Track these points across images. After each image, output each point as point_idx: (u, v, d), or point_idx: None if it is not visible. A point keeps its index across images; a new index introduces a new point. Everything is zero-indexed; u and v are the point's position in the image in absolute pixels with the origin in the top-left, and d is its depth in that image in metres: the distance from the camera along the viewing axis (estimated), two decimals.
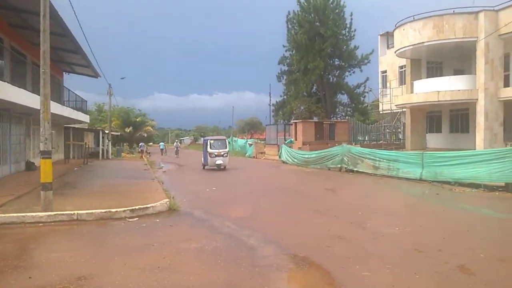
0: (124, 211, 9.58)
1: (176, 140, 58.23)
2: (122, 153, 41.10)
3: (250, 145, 41.28)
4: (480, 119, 23.47)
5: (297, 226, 8.78)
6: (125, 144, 50.22)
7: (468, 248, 6.75)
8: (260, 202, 12.50)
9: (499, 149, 15.47)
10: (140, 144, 44.68)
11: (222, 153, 23.68)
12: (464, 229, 8.41)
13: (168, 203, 10.57)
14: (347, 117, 37.41)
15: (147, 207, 10.03)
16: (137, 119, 55.66)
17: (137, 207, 9.83)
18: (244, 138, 54.37)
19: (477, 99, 23.57)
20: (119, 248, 7.09)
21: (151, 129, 60.49)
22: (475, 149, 21.39)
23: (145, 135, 58.17)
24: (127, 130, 53.72)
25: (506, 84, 23.01)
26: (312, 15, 35.72)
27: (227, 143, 25.35)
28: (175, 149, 44.15)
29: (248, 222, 9.13)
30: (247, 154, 40.26)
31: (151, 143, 70.13)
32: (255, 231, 8.10)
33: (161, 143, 52.37)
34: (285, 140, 32.73)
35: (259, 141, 45.61)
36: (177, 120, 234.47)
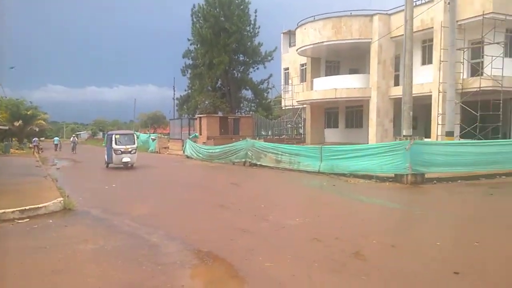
0: (12, 212, 8.72)
1: (73, 135, 54.88)
2: (11, 149, 37.74)
3: (153, 140, 40.22)
4: (372, 116, 25.22)
5: (201, 221, 8.70)
6: (14, 139, 46.17)
7: (362, 236, 7.16)
8: (163, 199, 12.19)
9: (389, 143, 16.71)
10: (33, 139, 41.42)
11: (130, 150, 21.04)
12: (359, 218, 8.94)
13: (62, 202, 9.82)
14: (251, 112, 38.07)
15: (38, 207, 9.24)
16: (28, 112, 51.37)
17: (27, 207, 9.00)
18: (147, 133, 52.84)
19: (370, 97, 25.28)
20: (6, 252, 6.45)
21: (44, 122, 56.16)
22: (368, 143, 22.97)
23: (37, 129, 53.90)
24: (16, 124, 49.39)
25: (396, 83, 24.92)
26: (217, 9, 35.72)
27: (135, 138, 22.91)
28: (72, 144, 41.44)
29: (150, 219, 8.84)
30: (150, 149, 39.18)
31: (43, 138, 65.35)
32: (157, 229, 7.86)
33: (56, 138, 49.08)
34: (189, 135, 32.38)
35: (163, 136, 44.61)
36: (73, 114, 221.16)
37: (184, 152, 29.21)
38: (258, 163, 19.92)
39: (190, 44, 38.23)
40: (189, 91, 39.97)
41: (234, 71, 38.33)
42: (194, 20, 36.90)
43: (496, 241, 6.99)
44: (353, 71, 29.85)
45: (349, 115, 31.82)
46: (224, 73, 36.25)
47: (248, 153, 20.62)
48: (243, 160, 21.02)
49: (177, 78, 54.86)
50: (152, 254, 6.27)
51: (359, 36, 25.14)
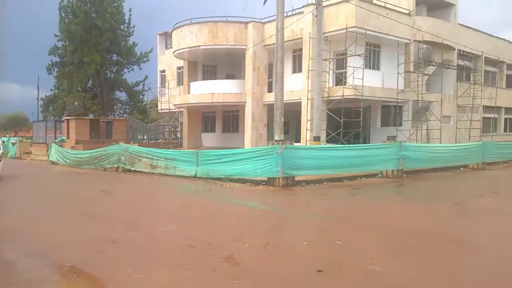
0: None
1: None
2: None
3: (14, 144, 36.41)
4: (248, 120, 25.93)
5: (66, 233, 8.02)
6: None
7: (235, 239, 7.25)
8: (22, 210, 11.02)
9: (262, 147, 17.33)
10: None
11: None
12: (232, 221, 9.04)
13: None
14: (125, 115, 36.58)
15: None
16: None
17: None
18: (6, 136, 47.66)
19: (245, 102, 25.97)
20: None
21: None
22: (243, 148, 23.53)
23: None
24: None
25: (270, 90, 25.92)
26: (88, 5, 33.66)
27: (0, 142, 19.96)
28: None
29: (6, 234, 7.92)
30: (9, 154, 35.36)
31: None
32: (14, 244, 7.07)
33: None
34: (55, 138, 29.94)
35: (25, 140, 40.64)
36: None
37: (48, 157, 26.88)
38: (132, 168, 19.15)
39: (58, 40, 35.46)
40: (56, 91, 37.04)
41: (107, 71, 36.45)
42: (62, 15, 34.27)
43: (356, 238, 7.59)
44: (230, 76, 30.43)
45: (226, 119, 32.35)
46: (95, 73, 34.24)
47: (121, 158, 19.72)
48: (116, 165, 20.03)
49: (42, 77, 50.58)
50: (6, 272, 5.61)
51: (234, 42, 25.68)
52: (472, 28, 31.30)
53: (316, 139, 18.69)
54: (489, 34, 33.47)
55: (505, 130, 36.51)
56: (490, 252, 6.76)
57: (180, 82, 32.72)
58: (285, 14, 20.33)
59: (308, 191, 13.35)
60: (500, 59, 33.76)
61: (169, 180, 16.55)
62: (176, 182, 15.82)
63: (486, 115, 33.37)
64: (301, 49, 23.71)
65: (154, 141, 32.64)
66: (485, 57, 31.93)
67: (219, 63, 31.28)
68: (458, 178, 17.32)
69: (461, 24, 29.99)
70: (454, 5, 28.80)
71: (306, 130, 22.48)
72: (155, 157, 18.27)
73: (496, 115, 34.77)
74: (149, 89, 38.44)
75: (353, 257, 6.39)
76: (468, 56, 30.60)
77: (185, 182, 15.74)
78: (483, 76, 32.06)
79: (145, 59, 37.14)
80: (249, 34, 25.59)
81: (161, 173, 17.60)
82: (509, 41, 35.93)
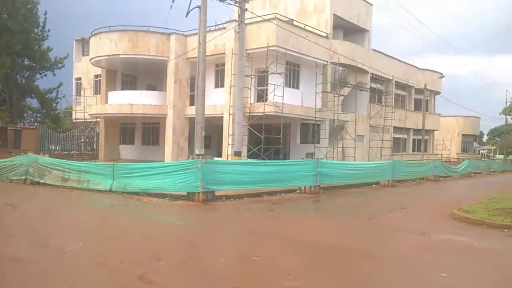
0: None
1: None
2: None
3: None
4: (169, 133, 25.47)
5: None
6: None
7: (150, 257, 6.97)
8: None
9: (183, 161, 17.05)
10: None
11: None
12: (148, 238, 8.71)
13: None
14: (36, 124, 34.31)
15: None
16: None
17: None
18: None
19: (166, 115, 25.51)
20: None
21: None
22: (164, 161, 23.02)
23: None
24: None
25: (192, 103, 25.68)
26: None
27: None
28: None
29: None
30: None
31: None
32: None
33: None
34: None
35: None
36: None
37: None
38: (42, 181, 17.89)
39: None
40: None
41: (18, 76, 34.00)
42: None
43: (273, 254, 7.64)
44: (151, 87, 29.76)
45: (146, 131, 31.51)
46: (4, 77, 31.74)
47: (30, 169, 18.37)
48: (24, 177, 18.61)
49: None
50: None
51: (156, 53, 25.22)
52: (385, 54, 33.55)
53: (237, 154, 18.80)
54: (399, 60, 36.08)
55: (413, 150, 39.33)
56: (398, 266, 7.13)
57: (97, 91, 31.42)
58: (208, 29, 20.39)
59: (228, 206, 13.31)
60: (409, 84, 36.47)
61: (82, 194, 15.65)
62: (89, 196, 15.01)
63: (396, 136, 35.76)
64: (223, 64, 23.86)
65: (67, 152, 30.86)
66: (395, 81, 34.32)
67: (140, 74, 30.51)
68: (370, 195, 18.24)
69: (374, 50, 32.04)
70: (368, 31, 30.73)
71: (228, 144, 22.54)
72: (67, 169, 17.23)
73: (405, 136, 37.37)
74: (63, 97, 36.48)
75: (270, 273, 6.40)
76: (380, 80, 32.69)
77: (99, 196, 14.98)
78: (393, 99, 34.41)
79: (59, 65, 35.14)
80: (171, 46, 25.28)
81: (73, 187, 16.62)
82: (417, 67, 38.94)
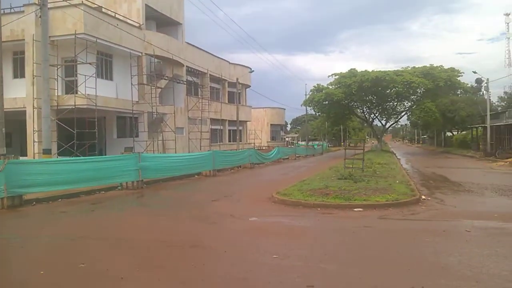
0: None
1: None
2: None
3: None
4: None
5: None
6: None
7: None
8: None
9: None
10: None
11: None
12: None
13: None
14: None
15: None
16: None
17: None
18: None
19: None
20: None
21: None
22: None
23: None
24: None
25: None
26: None
27: None
28: None
29: None
30: None
31: None
32: None
33: None
34: None
35: None
36: None
37: None
38: None
39: None
40: None
41: None
42: None
43: (102, 258, 6.90)
44: None
45: None
46: None
47: None
48: None
49: None
50: None
51: None
52: (198, 48, 34.19)
53: (46, 151, 16.72)
54: (212, 54, 37.25)
55: (229, 140, 41.22)
56: (232, 254, 7.14)
57: None
58: (3, 11, 17.68)
59: (41, 211, 11.73)
60: (222, 77, 37.95)
61: None
62: None
63: (214, 127, 36.94)
64: (23, 52, 21.05)
65: None
66: (210, 74, 35.32)
67: None
68: (194, 185, 18.29)
69: (188, 43, 32.33)
70: (181, 24, 30.83)
71: (34, 142, 20.02)
72: None
73: (221, 127, 38.85)
74: None
75: (101, 280, 5.72)
76: (196, 73, 33.24)
77: None
78: (209, 92, 35.39)
79: None
80: None
81: None
82: (228, 62, 40.76)
